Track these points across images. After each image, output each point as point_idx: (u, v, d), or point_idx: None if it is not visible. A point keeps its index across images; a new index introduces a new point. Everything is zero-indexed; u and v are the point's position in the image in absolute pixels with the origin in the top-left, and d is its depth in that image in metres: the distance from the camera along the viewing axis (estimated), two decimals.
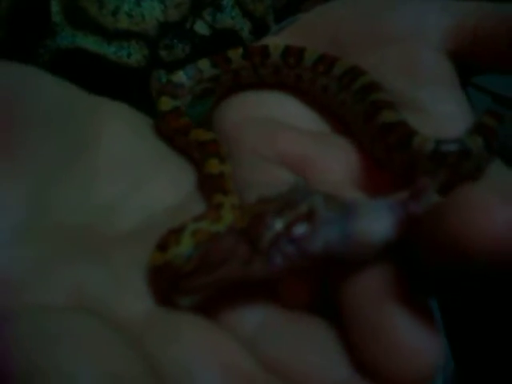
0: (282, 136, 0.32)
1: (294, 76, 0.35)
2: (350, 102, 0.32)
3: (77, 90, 0.32)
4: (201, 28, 0.55)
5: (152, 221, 0.28)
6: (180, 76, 0.35)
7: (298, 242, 0.21)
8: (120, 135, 0.31)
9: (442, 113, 0.31)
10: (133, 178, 0.30)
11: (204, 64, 0.36)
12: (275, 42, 0.38)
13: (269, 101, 0.35)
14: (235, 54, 0.35)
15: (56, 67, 0.49)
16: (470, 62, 0.34)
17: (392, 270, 0.22)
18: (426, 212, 0.21)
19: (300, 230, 0.21)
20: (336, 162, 0.30)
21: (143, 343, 0.21)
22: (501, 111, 0.30)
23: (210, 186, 0.29)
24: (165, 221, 0.28)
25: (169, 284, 0.23)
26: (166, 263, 0.24)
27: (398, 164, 0.28)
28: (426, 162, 0.27)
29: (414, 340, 0.20)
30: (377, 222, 0.21)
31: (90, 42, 0.52)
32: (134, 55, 0.52)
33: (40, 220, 0.25)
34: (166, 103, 0.33)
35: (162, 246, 0.25)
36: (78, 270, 0.23)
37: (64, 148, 0.28)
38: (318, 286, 0.23)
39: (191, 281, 0.22)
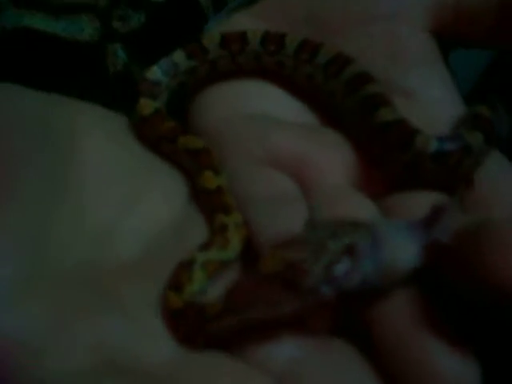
0: (274, 134, 0.30)
1: (276, 63, 0.33)
2: (341, 93, 0.31)
3: (50, 99, 0.30)
4: None
5: (152, 246, 0.27)
6: (155, 72, 0.33)
7: (337, 281, 0.21)
8: (102, 149, 0.29)
9: (431, 97, 0.30)
10: (124, 196, 0.28)
11: (179, 56, 0.33)
12: (244, 18, 0.36)
13: (251, 92, 0.34)
14: (212, 43, 0.33)
15: (4, 50, 0.46)
16: (454, 38, 0.33)
17: (419, 296, 0.21)
18: (456, 242, 0.20)
19: (339, 270, 0.21)
20: (332, 162, 0.29)
21: None
22: (494, 99, 0.30)
23: (208, 203, 0.28)
24: (165, 244, 0.27)
25: (191, 326, 0.22)
26: (185, 306, 0.23)
27: (398, 164, 0.27)
28: (428, 162, 0.26)
29: (453, 369, 0.20)
30: (404, 251, 0.21)
31: (37, 20, 0.48)
32: (85, 30, 0.48)
33: (41, 265, 0.23)
34: (146, 106, 0.31)
35: (176, 285, 0.24)
36: (96, 324, 0.22)
37: (50, 175, 0.26)
38: (340, 309, 0.23)
39: (217, 324, 0.22)
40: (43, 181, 0.26)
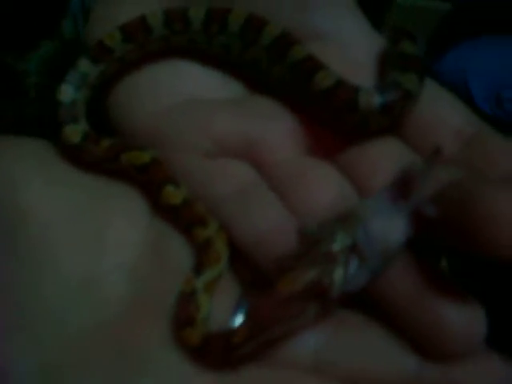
0: (213, 119, 0.29)
1: (187, 41, 0.31)
2: (265, 61, 0.30)
3: None
4: None
5: (137, 276, 0.27)
6: (66, 92, 0.30)
7: (353, 280, 0.23)
8: (47, 196, 0.27)
9: (347, 36, 0.30)
10: (89, 235, 0.27)
11: (85, 65, 0.31)
12: None
13: (168, 77, 0.32)
14: (114, 40, 0.31)
15: None
16: None
17: (414, 260, 0.23)
18: (442, 211, 0.22)
19: (352, 270, 0.23)
20: (278, 133, 0.29)
21: None
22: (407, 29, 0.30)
23: (178, 218, 0.27)
24: (149, 270, 0.27)
25: (217, 356, 0.23)
26: (205, 340, 0.23)
27: (347, 124, 0.28)
28: (375, 116, 0.27)
29: (465, 323, 0.22)
30: (393, 227, 0.23)
31: None
32: None
33: (51, 344, 0.24)
34: (72, 134, 0.29)
35: (187, 320, 0.24)
36: None
37: (13, 249, 0.25)
38: None
39: (243, 349, 0.23)
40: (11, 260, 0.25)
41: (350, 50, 0.30)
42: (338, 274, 0.22)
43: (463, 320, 0.22)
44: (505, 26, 1.15)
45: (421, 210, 0.23)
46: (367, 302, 0.25)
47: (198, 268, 0.26)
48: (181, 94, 0.31)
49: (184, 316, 0.24)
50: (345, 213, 0.24)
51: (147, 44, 0.31)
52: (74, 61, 0.31)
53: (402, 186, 0.23)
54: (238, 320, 0.24)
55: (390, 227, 0.23)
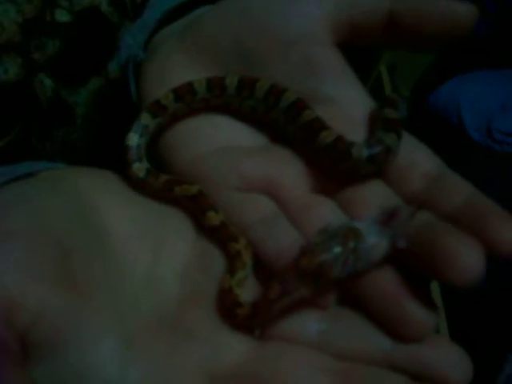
0: (242, 163, 0.39)
1: (223, 103, 0.41)
2: (283, 121, 0.40)
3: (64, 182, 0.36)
4: (61, 15, 0.55)
5: (187, 277, 0.36)
6: (133, 138, 0.40)
7: (346, 270, 0.32)
8: (123, 213, 0.36)
9: (347, 100, 0.39)
10: (151, 245, 0.36)
11: (146, 118, 0.41)
12: (177, 56, 0.43)
13: (209, 128, 0.42)
14: (168, 100, 0.40)
15: None
16: (354, 44, 0.42)
17: (393, 272, 0.32)
18: (411, 244, 0.31)
19: (349, 264, 0.32)
20: (292, 175, 0.38)
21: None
22: (394, 97, 0.40)
23: (217, 236, 0.37)
24: (196, 274, 0.36)
25: (262, 314, 0.32)
26: (252, 307, 0.33)
27: (342, 169, 0.37)
28: (363, 164, 0.37)
29: (422, 317, 0.31)
30: (378, 244, 0.32)
31: None
32: (10, 70, 0.51)
33: (130, 323, 0.32)
34: (139, 170, 0.39)
35: (235, 304, 0.33)
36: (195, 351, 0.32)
37: (98, 255, 0.33)
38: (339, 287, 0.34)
39: (278, 304, 0.32)
40: (97, 263, 0.33)
41: (349, 111, 0.39)
42: (339, 262, 0.31)
43: (421, 314, 0.31)
44: (495, 60, 1.25)
45: (395, 241, 0.32)
46: (355, 301, 0.34)
47: (231, 271, 0.35)
48: (217, 142, 0.41)
49: (230, 303, 0.34)
50: (353, 228, 0.33)
51: (193, 103, 0.41)
52: (138, 114, 0.41)
53: (387, 218, 0.33)
54: None
55: (377, 242, 0.32)
